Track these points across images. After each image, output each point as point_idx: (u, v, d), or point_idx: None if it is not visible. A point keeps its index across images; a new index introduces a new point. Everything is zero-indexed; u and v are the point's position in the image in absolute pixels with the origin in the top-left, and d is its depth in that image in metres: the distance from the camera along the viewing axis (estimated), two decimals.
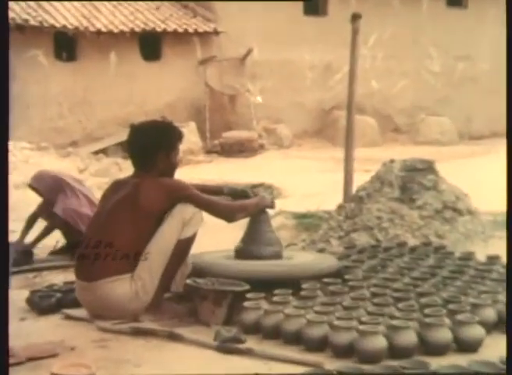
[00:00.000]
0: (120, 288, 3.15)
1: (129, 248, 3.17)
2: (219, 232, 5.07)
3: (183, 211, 3.23)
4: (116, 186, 3.41)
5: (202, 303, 3.12)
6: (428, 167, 4.99)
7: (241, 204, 3.48)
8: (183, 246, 3.24)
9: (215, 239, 4.90)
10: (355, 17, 5.83)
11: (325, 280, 3.41)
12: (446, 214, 4.76)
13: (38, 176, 4.97)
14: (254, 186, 3.77)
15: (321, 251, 4.28)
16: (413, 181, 4.89)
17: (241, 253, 3.57)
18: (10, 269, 4.04)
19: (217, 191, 3.65)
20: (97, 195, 4.95)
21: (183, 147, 3.57)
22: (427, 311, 2.91)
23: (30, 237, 4.92)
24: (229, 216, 3.36)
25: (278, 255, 3.57)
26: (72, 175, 5.69)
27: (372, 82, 14.68)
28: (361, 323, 2.79)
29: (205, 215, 3.35)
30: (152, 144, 3.33)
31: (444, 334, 2.75)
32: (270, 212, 3.72)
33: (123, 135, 4.35)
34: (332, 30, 13.95)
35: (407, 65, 15.18)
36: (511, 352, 2.40)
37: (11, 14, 12.31)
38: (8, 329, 2.38)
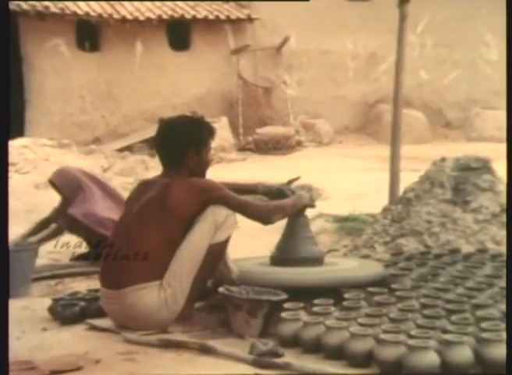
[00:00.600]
0: (148, 297, 3.18)
1: (158, 253, 3.20)
2: (254, 237, 5.10)
3: (216, 213, 3.25)
4: (143, 186, 3.45)
5: (236, 313, 3.14)
6: (484, 166, 4.94)
7: (277, 204, 3.48)
8: (216, 251, 3.26)
9: (249, 244, 4.92)
10: (403, 1, 5.80)
11: (370, 289, 3.40)
12: (504, 218, 4.70)
13: (60, 173, 4.95)
14: (290, 181, 3.77)
15: (365, 257, 4.27)
16: (467, 182, 4.85)
17: (278, 259, 3.58)
18: (28, 276, 4.11)
19: (251, 189, 3.67)
20: None
21: (214, 144, 3.59)
22: (483, 325, 2.89)
23: None
24: (264, 217, 3.37)
25: (318, 262, 3.57)
26: (98, 173, 5.69)
27: (421, 72, 14.56)
28: (410, 336, 2.78)
29: (239, 218, 3.37)
30: (182, 141, 3.35)
31: (502, 351, 2.72)
32: (309, 214, 3.72)
33: (150, 131, 4.41)
34: (376, 15, 13.88)
35: (460, 53, 15.02)
36: (511, 352, 2.49)
37: (32, 1, 12.51)
38: (8, 339, 2.42)
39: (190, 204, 3.24)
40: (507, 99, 3.27)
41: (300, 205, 3.56)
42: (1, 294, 2.50)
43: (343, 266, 3.63)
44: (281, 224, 3.61)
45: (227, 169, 10.77)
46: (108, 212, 4.79)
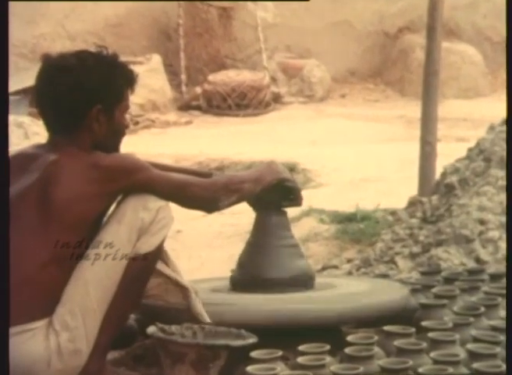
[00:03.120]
0: (30, 345, 3.19)
1: (42, 276, 3.21)
2: (204, 247, 5.10)
3: (139, 208, 3.26)
4: (18, 165, 3.41)
5: (175, 367, 3.17)
6: None
7: (229, 180, 3.50)
8: (141, 268, 3.28)
9: (197, 259, 4.93)
10: None
11: (388, 328, 3.45)
12: None
13: None
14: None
15: (380, 277, 4.32)
16: None
17: (241, 282, 3.63)
18: None
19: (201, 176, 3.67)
20: None
21: (137, 98, 3.60)
22: None
23: None
24: (209, 202, 3.37)
25: (305, 285, 3.62)
26: None
27: None
28: None
29: (179, 220, 3.39)
30: (81, 93, 3.35)
31: None
32: (291, 211, 3.75)
33: (30, 76, 4.36)
34: None
35: None
36: (511, 352, 2.65)
37: None
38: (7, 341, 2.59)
39: (93, 196, 3.24)
40: (507, 99, 3.82)
41: (268, 180, 3.55)
42: (1, 296, 2.71)
43: (345, 291, 3.67)
44: (245, 227, 3.64)
45: (161, 138, 10.76)
46: None
